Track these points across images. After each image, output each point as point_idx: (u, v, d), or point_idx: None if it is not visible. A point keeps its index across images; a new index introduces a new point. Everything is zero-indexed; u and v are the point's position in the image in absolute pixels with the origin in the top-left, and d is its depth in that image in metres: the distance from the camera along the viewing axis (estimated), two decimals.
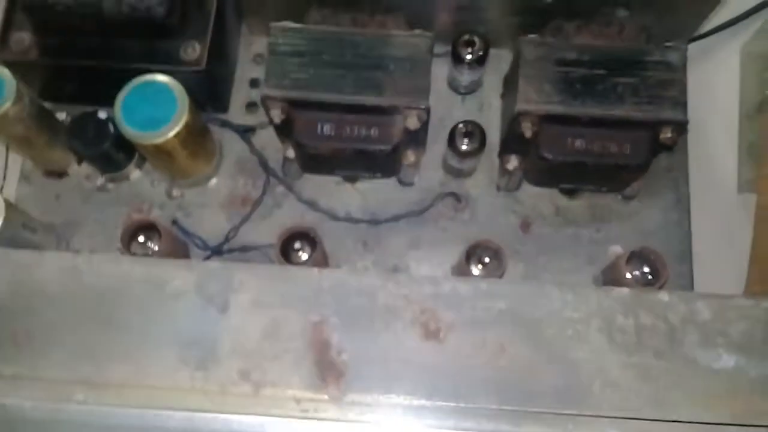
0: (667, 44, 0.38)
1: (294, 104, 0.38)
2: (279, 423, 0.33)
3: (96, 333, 0.34)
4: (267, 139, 0.45)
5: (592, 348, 0.33)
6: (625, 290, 0.34)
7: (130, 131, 0.38)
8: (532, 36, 0.39)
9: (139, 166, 0.45)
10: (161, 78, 0.38)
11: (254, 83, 0.46)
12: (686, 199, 0.44)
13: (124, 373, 0.33)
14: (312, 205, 0.44)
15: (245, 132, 0.45)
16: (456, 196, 0.44)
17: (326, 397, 0.33)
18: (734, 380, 0.33)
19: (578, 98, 0.37)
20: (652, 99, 0.37)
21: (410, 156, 0.42)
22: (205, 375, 0.33)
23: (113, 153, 0.42)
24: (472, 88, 0.46)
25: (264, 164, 0.44)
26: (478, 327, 0.34)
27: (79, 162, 0.45)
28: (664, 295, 0.34)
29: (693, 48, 0.46)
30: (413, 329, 0.34)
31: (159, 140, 0.38)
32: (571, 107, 0.37)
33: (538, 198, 0.44)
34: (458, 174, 0.44)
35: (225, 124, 0.45)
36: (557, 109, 0.37)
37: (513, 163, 0.42)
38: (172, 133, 0.38)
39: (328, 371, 0.33)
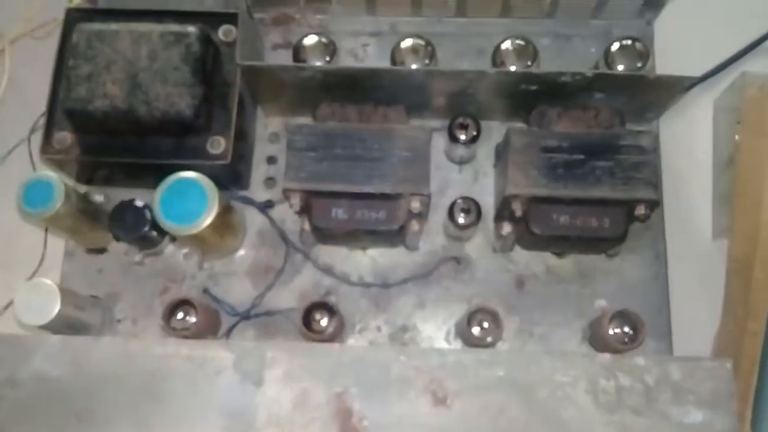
0: (640, 129, 0.43)
1: (310, 193, 0.43)
2: None
3: (148, 408, 0.40)
4: (285, 211, 0.50)
5: (579, 408, 0.39)
6: (606, 355, 0.40)
7: (167, 224, 0.43)
8: (519, 126, 0.44)
9: (172, 240, 0.50)
10: (193, 175, 0.43)
11: (271, 160, 0.51)
12: (663, 255, 0.49)
13: None
14: (328, 271, 0.49)
15: (265, 207, 0.50)
16: (457, 259, 0.49)
17: None
18: None
19: (561, 181, 0.42)
20: (626, 180, 0.42)
21: (414, 225, 0.47)
22: None
23: (150, 235, 0.47)
24: (468, 159, 0.51)
25: (283, 236, 0.49)
26: (480, 393, 0.39)
27: (118, 239, 0.50)
28: (640, 360, 0.40)
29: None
30: (424, 397, 0.39)
31: (193, 231, 0.43)
32: (555, 189, 0.42)
33: (530, 258, 0.49)
34: (458, 239, 0.49)
35: (247, 200, 0.50)
36: (543, 191, 0.42)
37: (506, 229, 0.47)
38: (204, 225, 0.43)
39: None
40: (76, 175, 0.49)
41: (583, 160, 0.43)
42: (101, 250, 0.51)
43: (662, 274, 0.49)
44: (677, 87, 0.45)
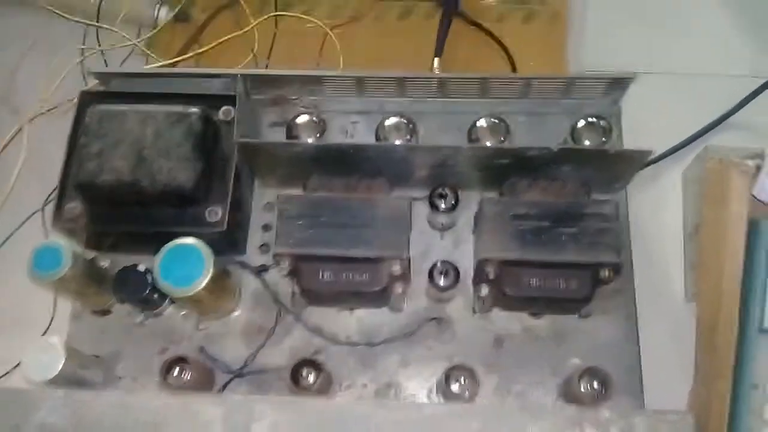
0: (603, 198, 0.47)
1: (299, 257, 0.47)
2: None
3: None
4: (278, 276, 0.53)
5: None
6: (573, 408, 0.42)
7: (166, 287, 0.46)
8: (491, 195, 0.48)
9: (172, 303, 0.53)
10: (191, 241, 0.47)
11: (266, 227, 0.55)
12: (634, 316, 0.52)
13: None
14: (317, 331, 0.52)
15: (259, 272, 0.54)
16: (438, 320, 0.52)
17: None
18: None
19: (530, 246, 0.46)
20: (590, 245, 0.46)
21: (398, 288, 0.51)
22: None
23: (150, 298, 0.50)
24: (448, 227, 0.54)
25: (276, 299, 0.53)
26: None
27: (122, 302, 0.54)
28: (605, 412, 0.42)
29: (643, 173, 0.55)
30: None
31: (190, 294, 0.46)
32: (524, 254, 0.46)
33: (507, 319, 0.52)
34: (439, 300, 0.53)
35: (242, 265, 0.54)
36: (513, 255, 0.46)
37: (484, 290, 0.50)
38: (200, 287, 0.46)
39: None
40: (85, 243, 0.53)
41: (550, 227, 0.46)
42: (105, 312, 0.54)
43: (633, 334, 0.52)
44: (637, 160, 0.49)
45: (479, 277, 0.49)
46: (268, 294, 0.53)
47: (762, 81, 0.59)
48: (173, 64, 0.63)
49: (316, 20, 0.66)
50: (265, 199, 0.56)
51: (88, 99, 0.52)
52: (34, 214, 0.57)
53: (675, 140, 0.61)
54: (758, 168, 0.48)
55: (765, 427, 0.48)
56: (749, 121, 0.60)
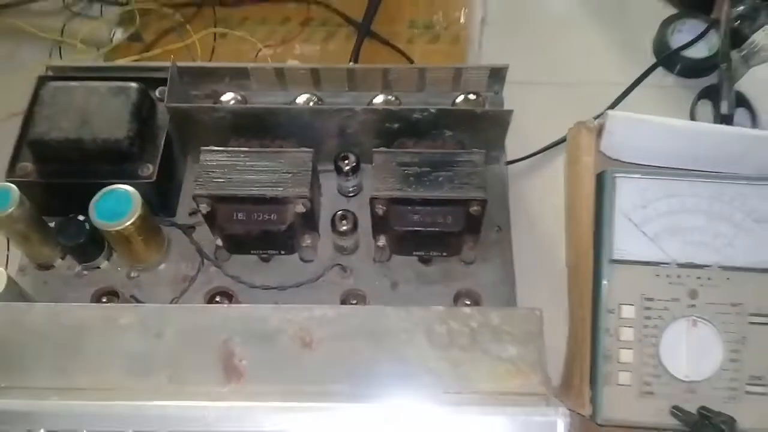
0: (473, 150, 0.56)
1: (216, 199, 0.55)
2: (195, 408, 0.46)
3: (69, 356, 0.48)
4: (204, 234, 0.61)
5: (417, 347, 0.48)
6: (440, 307, 0.49)
7: (99, 222, 0.54)
8: (382, 149, 0.56)
9: (107, 258, 0.60)
10: (122, 187, 0.55)
11: (193, 212, 0.63)
12: (510, 263, 0.60)
13: (88, 381, 0.47)
14: (235, 278, 0.59)
15: (187, 229, 0.61)
16: (342, 267, 0.60)
17: (228, 390, 0.46)
18: (515, 364, 0.47)
19: (412, 186, 0.54)
20: (462, 185, 0.54)
21: (307, 239, 0.58)
22: (145, 380, 0.47)
23: (88, 245, 0.58)
24: (355, 192, 0.63)
25: (200, 250, 0.60)
26: (339, 338, 0.48)
27: (63, 257, 0.60)
28: (467, 310, 0.49)
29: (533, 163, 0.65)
30: (293, 342, 0.48)
31: (119, 227, 0.54)
32: (407, 192, 0.54)
33: (402, 266, 0.60)
34: (343, 251, 0.60)
35: (173, 224, 0.61)
36: (397, 194, 0.54)
37: (381, 241, 0.58)
38: (128, 222, 0.54)
39: (233, 373, 0.47)
40: (37, 207, 0.60)
41: (429, 171, 0.55)
42: (48, 267, 0.61)
43: (510, 277, 0.60)
44: (501, 119, 0.58)
45: (374, 222, 0.57)
46: (194, 249, 0.61)
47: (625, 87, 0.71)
48: None
49: (250, 37, 0.77)
50: (194, 175, 0.64)
51: (43, 80, 0.61)
52: None
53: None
54: (602, 127, 0.57)
55: (621, 346, 0.55)
56: None
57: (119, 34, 0.78)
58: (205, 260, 0.60)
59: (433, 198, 0.54)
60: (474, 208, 0.54)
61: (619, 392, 0.55)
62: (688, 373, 0.55)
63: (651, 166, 0.58)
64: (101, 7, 0.82)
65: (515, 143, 0.68)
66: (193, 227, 0.62)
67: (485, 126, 0.59)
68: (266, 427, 0.45)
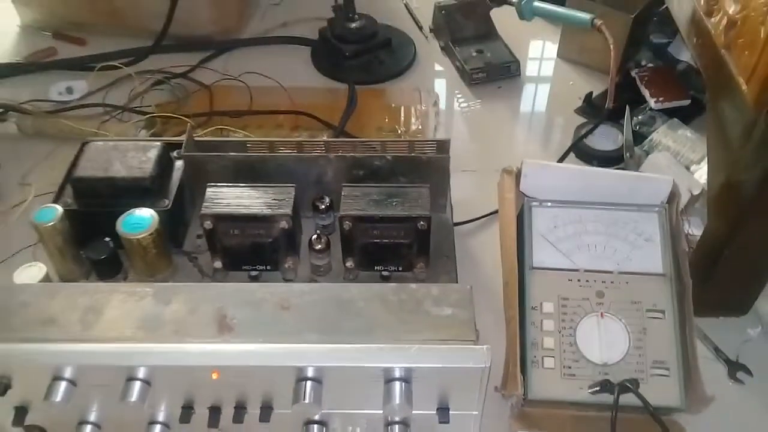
0: (420, 185, 0.72)
1: (217, 218, 0.70)
2: (198, 348, 0.57)
3: (94, 317, 0.60)
4: (204, 261, 0.75)
5: (375, 312, 0.60)
6: (394, 285, 0.62)
7: (125, 233, 0.68)
8: (349, 184, 0.72)
9: (124, 278, 0.73)
10: (144, 209, 0.70)
11: (199, 236, 0.78)
12: (455, 276, 0.73)
13: (108, 334, 0.58)
14: None
15: (191, 255, 0.75)
16: (313, 281, 0.73)
17: (222, 341, 0.58)
18: (451, 320, 0.60)
19: (372, 208, 0.69)
20: (411, 207, 0.70)
21: (289, 261, 0.72)
22: (155, 333, 0.58)
23: (109, 262, 0.71)
24: (329, 232, 0.78)
25: (201, 270, 0.74)
26: (312, 305, 0.61)
27: (87, 277, 0.73)
28: (413, 285, 0.62)
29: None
30: (274, 306, 0.61)
31: (140, 236, 0.68)
32: (368, 212, 0.69)
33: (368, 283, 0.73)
34: (319, 271, 0.74)
35: (180, 252, 0.75)
36: (361, 213, 0.69)
37: (350, 262, 0.72)
38: (148, 233, 0.68)
39: (225, 329, 0.59)
40: (74, 230, 0.74)
41: (386, 198, 0.70)
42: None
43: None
44: (443, 166, 0.75)
45: (343, 241, 0.71)
46: (197, 271, 0.74)
47: None
48: None
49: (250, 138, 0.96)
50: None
51: (86, 143, 0.78)
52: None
53: None
54: (519, 171, 0.74)
55: (544, 335, 0.67)
56: None
57: (143, 134, 0.97)
58: (205, 278, 0.73)
59: (389, 216, 0.69)
60: (421, 223, 0.69)
61: (545, 374, 0.66)
62: (602, 358, 0.66)
63: (560, 200, 0.73)
64: (129, 114, 1.01)
65: (463, 212, 0.85)
66: (196, 257, 0.76)
67: (431, 172, 0.76)
68: (251, 362, 0.56)
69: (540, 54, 1.20)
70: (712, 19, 0.70)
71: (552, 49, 1.19)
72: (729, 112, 0.68)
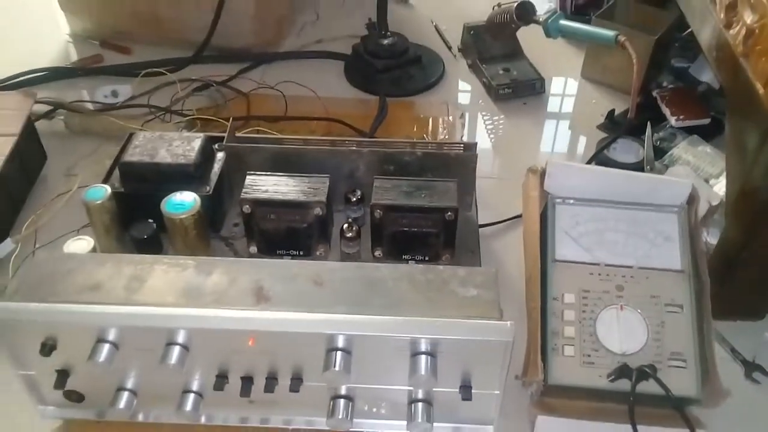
0: (448, 179, 0.76)
1: (256, 203, 0.73)
2: (236, 314, 0.60)
3: (138, 284, 0.63)
4: (241, 246, 0.78)
5: (403, 290, 0.63)
6: (421, 266, 0.66)
7: (168, 212, 0.72)
8: (383, 176, 0.76)
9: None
10: (187, 192, 0.74)
11: (236, 224, 0.81)
12: (479, 259, 0.76)
13: (150, 300, 0.62)
14: None
15: (228, 241, 0.79)
16: None
17: (260, 309, 0.61)
18: (476, 300, 0.62)
19: (401, 198, 0.73)
20: (440, 199, 0.73)
21: (320, 248, 0.76)
22: (196, 301, 0.62)
23: (151, 242, 0.75)
24: (362, 222, 0.81)
25: (237, 254, 0.77)
26: (344, 282, 0.64)
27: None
28: (440, 267, 0.65)
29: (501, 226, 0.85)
30: (308, 281, 0.64)
31: (183, 216, 0.72)
32: (399, 202, 0.73)
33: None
34: (348, 258, 0.77)
35: (218, 237, 0.79)
36: (391, 202, 0.73)
37: (378, 252, 0.76)
38: (190, 214, 0.72)
39: (262, 299, 0.62)
40: (121, 211, 0.78)
41: (415, 190, 0.74)
42: None
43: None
44: (470, 163, 0.79)
45: (373, 229, 0.75)
46: (232, 254, 0.78)
47: None
48: None
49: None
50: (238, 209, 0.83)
51: (134, 133, 0.83)
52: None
53: None
54: (544, 171, 0.77)
55: (565, 324, 0.70)
56: None
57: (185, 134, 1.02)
58: None
59: (418, 206, 0.73)
60: (448, 214, 0.73)
61: (566, 361, 0.69)
62: (621, 348, 0.69)
63: (582, 199, 0.77)
64: (171, 116, 1.07)
65: (486, 217, 0.89)
66: (232, 242, 0.79)
67: (458, 169, 0.79)
68: (286, 328, 0.60)
69: (564, 73, 1.24)
70: (731, 31, 0.74)
71: (576, 69, 1.23)
72: (747, 119, 0.72)
